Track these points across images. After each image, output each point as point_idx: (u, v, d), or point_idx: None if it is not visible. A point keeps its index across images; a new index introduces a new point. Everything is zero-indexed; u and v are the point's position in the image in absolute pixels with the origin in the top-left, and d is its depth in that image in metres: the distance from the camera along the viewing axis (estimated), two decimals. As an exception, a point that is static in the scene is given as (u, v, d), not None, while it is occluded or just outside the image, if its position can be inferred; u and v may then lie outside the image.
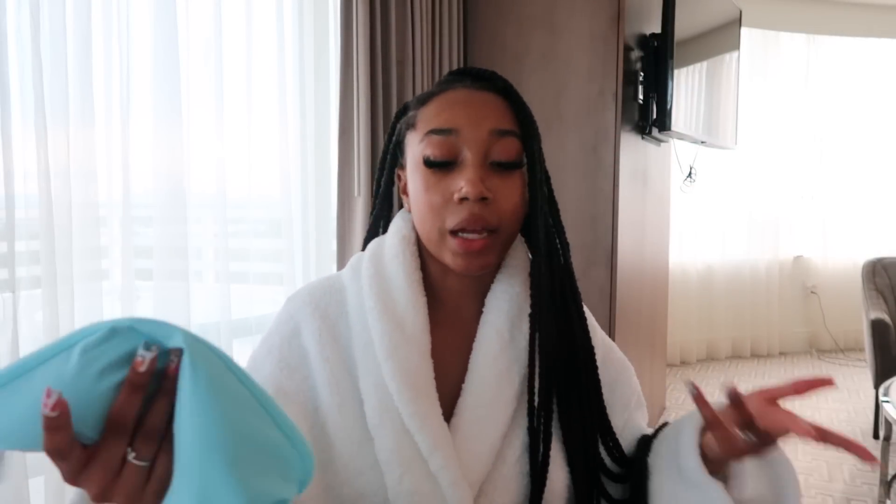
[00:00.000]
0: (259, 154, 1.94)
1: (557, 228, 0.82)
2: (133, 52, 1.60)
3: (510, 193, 0.74)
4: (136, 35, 1.61)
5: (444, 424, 0.73)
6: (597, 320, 0.91)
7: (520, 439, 0.76)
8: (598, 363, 0.82)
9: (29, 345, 1.41)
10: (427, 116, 0.76)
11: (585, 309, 0.85)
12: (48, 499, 1.42)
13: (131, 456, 0.45)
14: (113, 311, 1.60)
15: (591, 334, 0.83)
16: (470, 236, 0.72)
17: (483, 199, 0.72)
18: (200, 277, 1.85)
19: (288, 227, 2.05)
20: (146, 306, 1.66)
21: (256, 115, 1.91)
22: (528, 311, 0.78)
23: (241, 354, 1.89)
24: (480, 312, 0.80)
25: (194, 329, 1.76)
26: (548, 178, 0.81)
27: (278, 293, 2.05)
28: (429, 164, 0.74)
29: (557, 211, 0.82)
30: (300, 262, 2.10)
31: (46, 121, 1.38)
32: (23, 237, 1.38)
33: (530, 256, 0.81)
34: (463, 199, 0.72)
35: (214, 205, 1.80)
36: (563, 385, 0.79)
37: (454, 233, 0.73)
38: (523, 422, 0.76)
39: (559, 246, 0.81)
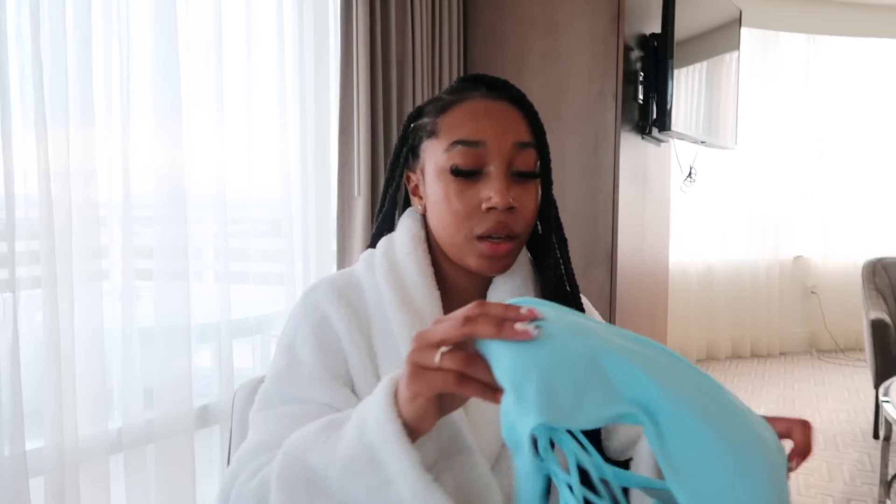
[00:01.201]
0: (259, 154, 1.94)
1: (556, 225, 0.87)
2: (133, 52, 1.60)
3: (530, 201, 0.80)
4: (136, 35, 1.61)
5: (462, 409, 0.75)
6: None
7: None
8: None
9: (29, 345, 1.41)
10: (451, 126, 0.79)
11: (585, 299, 0.91)
12: (48, 499, 1.43)
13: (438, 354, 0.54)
14: (113, 311, 1.60)
15: None
16: (497, 240, 0.78)
17: (510, 209, 0.77)
18: (200, 277, 1.85)
19: (288, 228, 2.05)
20: (146, 306, 1.66)
21: (256, 115, 1.91)
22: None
23: (241, 354, 1.89)
24: None
25: (194, 330, 1.75)
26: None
27: (278, 293, 2.05)
28: (457, 173, 0.78)
29: (557, 208, 0.88)
30: (300, 262, 2.10)
31: (46, 121, 1.38)
32: (23, 237, 1.38)
33: (527, 254, 0.88)
34: (491, 209, 0.77)
35: (214, 205, 1.80)
36: None
37: (481, 237, 0.78)
38: None
39: (555, 241, 0.87)
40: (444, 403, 0.59)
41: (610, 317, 2.31)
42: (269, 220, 2.07)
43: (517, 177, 0.79)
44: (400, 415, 0.58)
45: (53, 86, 1.42)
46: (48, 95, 1.39)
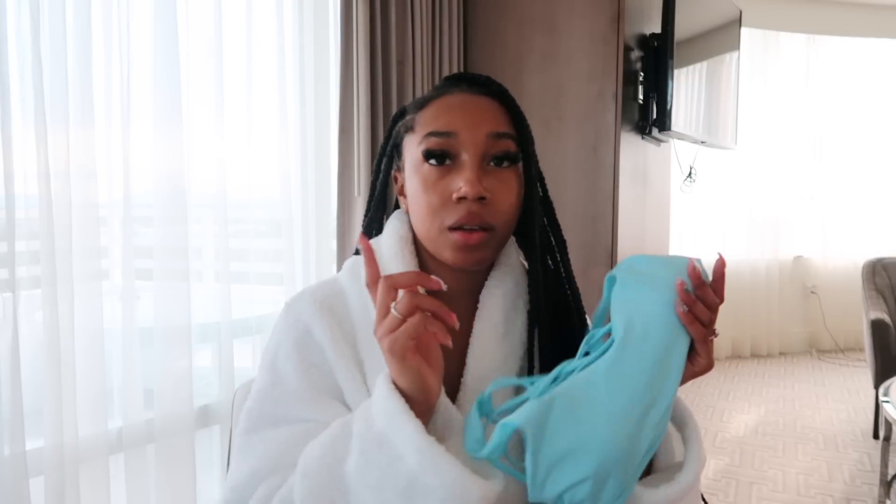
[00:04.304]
0: (259, 154, 1.94)
1: (553, 227, 0.84)
2: (133, 52, 1.60)
3: (506, 194, 0.77)
4: (136, 35, 1.61)
5: (456, 415, 0.75)
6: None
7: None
8: None
9: (29, 345, 1.41)
10: (426, 120, 0.79)
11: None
12: (48, 499, 1.43)
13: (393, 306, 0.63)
14: (113, 311, 1.60)
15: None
16: (469, 230, 0.75)
17: (481, 199, 0.74)
18: (200, 277, 1.85)
19: (288, 228, 2.05)
20: (146, 306, 1.66)
21: (256, 115, 1.91)
22: (522, 306, 0.82)
23: (242, 354, 1.89)
24: (475, 310, 0.83)
25: (194, 330, 1.75)
26: (542, 178, 0.84)
27: (278, 293, 2.05)
28: (428, 155, 0.76)
29: (553, 210, 0.85)
30: (300, 262, 2.10)
31: (46, 121, 1.38)
32: (23, 237, 1.38)
33: (522, 258, 0.86)
34: (461, 199, 0.74)
35: (214, 205, 1.80)
36: None
37: (452, 228, 0.75)
38: None
39: (555, 244, 0.84)
40: (431, 363, 0.66)
41: (610, 317, 2.31)
42: (270, 221, 2.07)
43: (493, 167, 0.77)
44: (400, 392, 0.64)
45: (53, 86, 1.42)
46: (48, 95, 1.39)
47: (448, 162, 0.76)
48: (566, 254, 0.85)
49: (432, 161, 0.76)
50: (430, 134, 0.77)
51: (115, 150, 1.57)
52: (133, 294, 1.61)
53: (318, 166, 2.12)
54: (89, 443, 1.51)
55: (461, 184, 0.74)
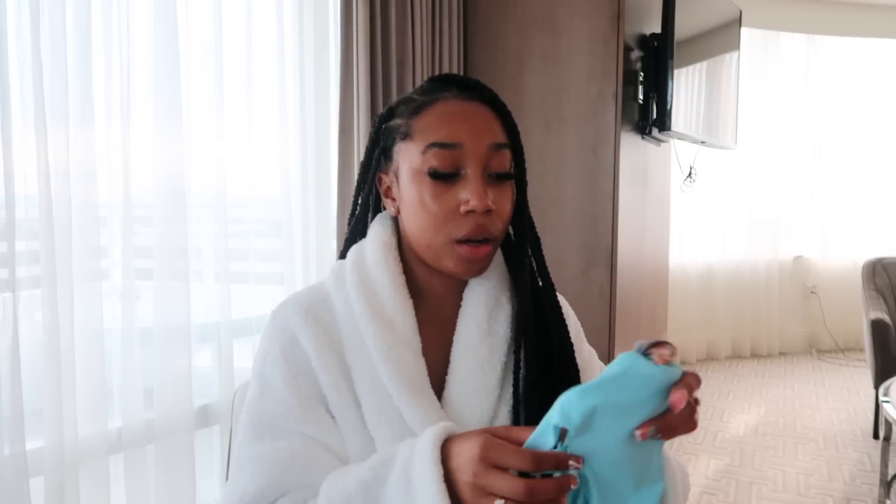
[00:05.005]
0: (259, 154, 1.94)
1: (529, 224, 0.86)
2: (133, 52, 1.60)
3: (506, 203, 0.79)
4: (136, 35, 1.61)
5: (444, 417, 0.76)
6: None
7: (505, 425, 0.79)
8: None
9: (29, 345, 1.41)
10: (426, 128, 0.78)
11: (562, 299, 0.90)
12: (48, 499, 1.43)
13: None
14: (113, 311, 1.60)
15: (567, 322, 0.87)
16: (475, 244, 0.77)
17: (487, 211, 0.76)
18: (200, 277, 1.85)
19: (288, 228, 2.05)
20: (146, 306, 1.66)
21: (256, 116, 1.91)
22: (505, 302, 0.84)
23: (241, 354, 1.89)
24: (459, 307, 0.84)
25: (194, 330, 1.75)
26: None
27: (278, 293, 2.05)
28: (436, 176, 0.77)
29: (528, 208, 0.86)
30: (300, 262, 2.10)
31: (46, 121, 1.38)
32: (23, 237, 1.38)
33: (502, 256, 0.87)
34: (469, 212, 0.76)
35: (214, 205, 1.80)
36: (545, 374, 0.81)
37: (459, 241, 0.77)
38: (507, 407, 0.80)
39: (528, 241, 0.85)
40: None
41: (610, 317, 2.31)
42: (270, 221, 2.07)
43: (493, 179, 0.78)
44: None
45: (53, 86, 1.42)
46: (48, 95, 1.39)
47: (453, 176, 0.77)
48: (540, 250, 0.86)
49: (438, 180, 0.77)
50: (434, 145, 0.77)
51: (115, 150, 1.58)
52: (133, 294, 1.62)
53: (318, 166, 2.12)
54: (89, 443, 1.51)
55: (469, 197, 0.75)
